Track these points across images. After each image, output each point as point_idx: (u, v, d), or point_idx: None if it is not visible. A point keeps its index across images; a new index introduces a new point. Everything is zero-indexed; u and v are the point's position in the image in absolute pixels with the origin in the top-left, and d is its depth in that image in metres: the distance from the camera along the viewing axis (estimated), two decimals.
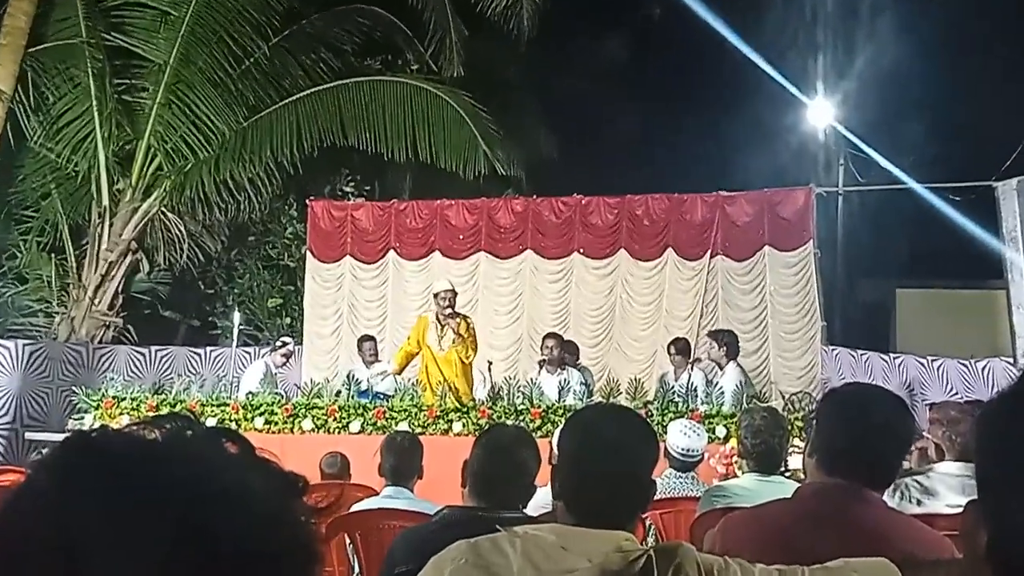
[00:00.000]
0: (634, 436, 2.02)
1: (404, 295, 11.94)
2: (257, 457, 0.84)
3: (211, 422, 7.94)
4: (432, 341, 8.80)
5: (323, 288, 12.21)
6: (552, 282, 11.64)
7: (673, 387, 8.33)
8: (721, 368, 8.61)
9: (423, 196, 13.14)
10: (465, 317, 9.01)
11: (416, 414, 8.12)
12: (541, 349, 9.28)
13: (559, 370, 9.07)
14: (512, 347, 11.56)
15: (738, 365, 8.57)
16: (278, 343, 10.09)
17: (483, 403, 8.29)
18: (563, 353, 9.27)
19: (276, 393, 8.87)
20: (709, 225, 11.17)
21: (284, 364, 10.06)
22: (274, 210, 14.86)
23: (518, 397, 8.24)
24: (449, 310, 8.74)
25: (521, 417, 7.89)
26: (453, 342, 8.68)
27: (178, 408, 8.40)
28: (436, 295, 8.90)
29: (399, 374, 8.86)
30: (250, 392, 8.90)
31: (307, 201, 12.50)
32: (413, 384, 8.50)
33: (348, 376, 9.04)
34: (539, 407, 7.94)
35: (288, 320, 14.93)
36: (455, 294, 8.99)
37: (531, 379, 8.61)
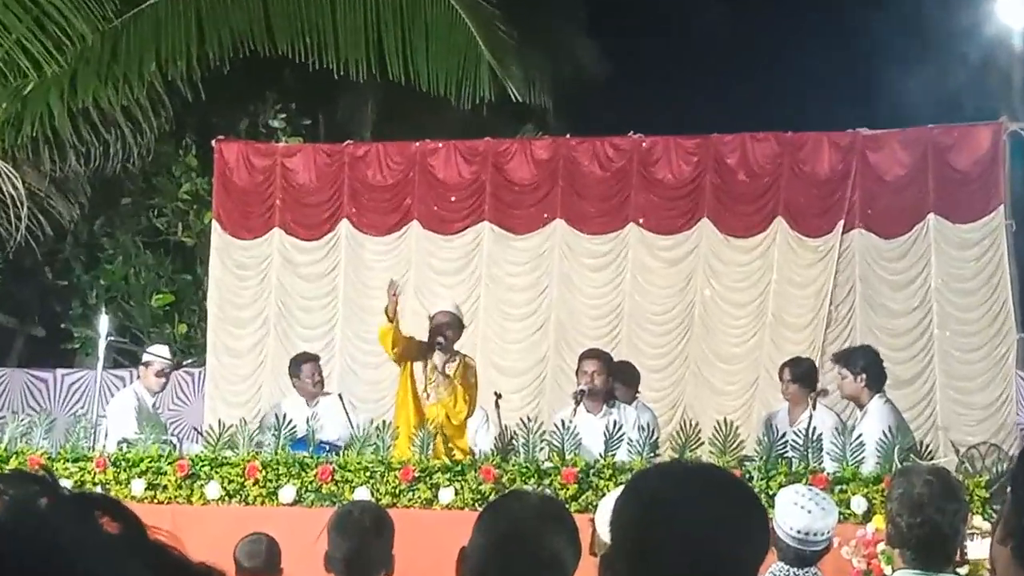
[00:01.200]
0: (728, 513, 2.02)
1: (364, 289, 11.96)
2: (150, 541, 0.84)
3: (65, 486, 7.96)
4: (419, 377, 9.02)
5: (237, 279, 12.24)
6: (595, 270, 11.64)
7: (785, 435, 8.31)
8: (860, 406, 8.58)
9: (393, 135, 13.13)
10: (465, 359, 9.19)
11: (384, 475, 8.14)
12: (577, 375, 9.28)
13: (606, 408, 9.05)
14: (532, 372, 11.57)
15: (887, 401, 8.54)
16: (145, 357, 10.10)
17: (487, 459, 8.29)
18: (612, 382, 9.26)
19: (164, 441, 8.90)
20: (842, 181, 11.15)
21: (161, 389, 10.06)
22: (162, 157, 14.90)
23: (541, 449, 8.23)
24: (443, 341, 8.95)
25: (547, 481, 7.88)
26: (446, 392, 8.92)
27: (12, 464, 8.44)
28: (432, 319, 9.14)
29: (399, 361, 9.08)
30: (124, 440, 8.93)
31: (213, 143, 12.53)
32: (379, 428, 8.53)
33: (276, 415, 9.05)
34: (575, 466, 7.94)
35: (184, 328, 14.98)
36: (461, 326, 9.24)
37: (562, 421, 8.61)
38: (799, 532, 4.77)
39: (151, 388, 9.88)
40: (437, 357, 9.02)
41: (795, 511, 4.81)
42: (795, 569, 4.79)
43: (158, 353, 10.09)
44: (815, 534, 4.78)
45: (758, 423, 9.88)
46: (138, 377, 10.19)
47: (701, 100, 16.29)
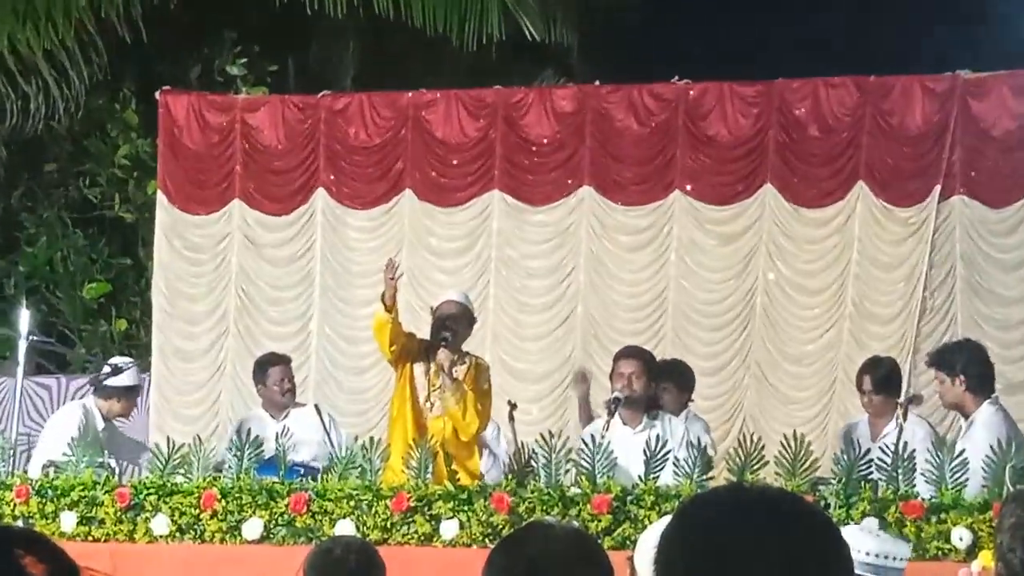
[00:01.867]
0: (802, 550, 2.02)
1: (346, 275, 11.98)
2: None
3: None
4: (420, 383, 9.08)
5: (189, 263, 12.26)
6: (633, 249, 11.63)
7: (868, 451, 8.30)
8: (965, 416, 8.56)
9: (381, 85, 13.10)
10: (477, 361, 9.27)
11: (372, 504, 8.15)
12: (612, 379, 9.27)
13: (646, 420, 9.04)
14: (554, 376, 11.58)
15: (999, 409, 8.50)
16: (107, 368, 10.13)
17: (499, 484, 8.30)
18: (655, 386, 9.25)
19: (101, 465, 8.91)
20: (938, 137, 11.12)
21: (126, 413, 10.08)
22: (94, 113, 14.90)
23: (567, 472, 8.23)
24: (448, 336, 8.99)
25: (574, 512, 7.88)
26: (454, 400, 8.95)
27: None
28: (435, 311, 9.21)
29: (396, 363, 9.15)
30: (50, 463, 8.95)
31: (157, 95, 12.52)
32: (366, 447, 8.53)
33: (239, 432, 9.06)
34: (608, 492, 7.95)
35: (123, 324, 14.99)
36: (471, 320, 9.34)
37: (592, 437, 8.61)
38: (870, 555, 4.91)
39: (110, 410, 9.85)
40: (442, 356, 9.01)
41: (862, 535, 5.03)
42: None
43: (122, 365, 10.04)
44: (890, 558, 4.96)
45: (835, 437, 9.87)
46: (88, 389, 10.19)
47: (762, 36, 16.21)
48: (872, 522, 5.18)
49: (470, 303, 9.52)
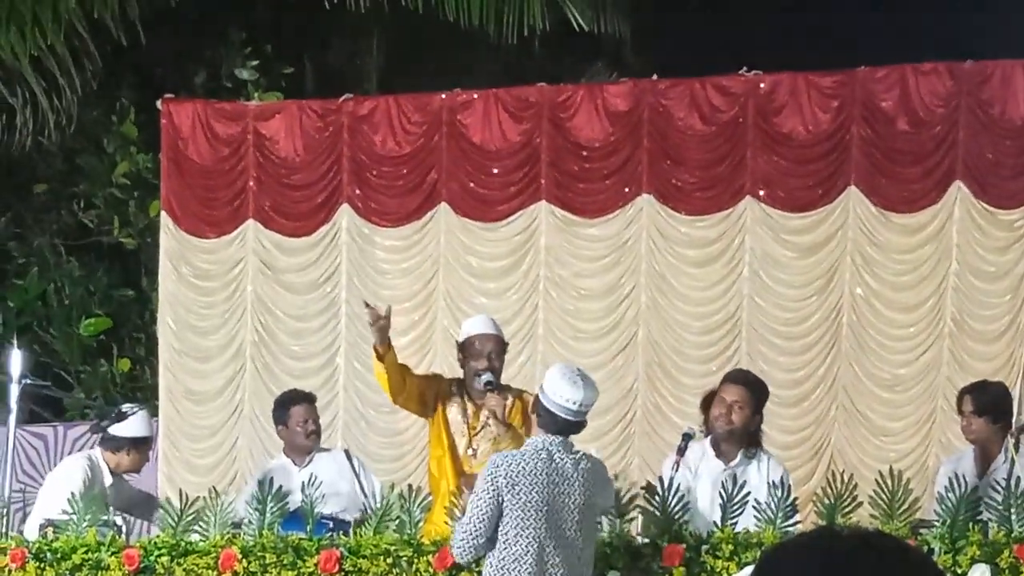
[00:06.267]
0: None
1: (376, 302, 11.86)
2: None
3: None
4: (457, 430, 9.14)
5: (199, 293, 12.30)
6: (699, 264, 11.61)
7: (976, 489, 8.26)
8: None
9: (410, 85, 13.12)
10: (521, 395, 9.28)
11: (413, 560, 8.15)
12: (713, 405, 9.17)
13: (742, 455, 8.92)
14: (615, 411, 11.52)
15: None
16: (115, 413, 10.15)
17: None
18: (744, 413, 9.13)
19: (106, 523, 8.94)
20: None
21: (137, 467, 10.09)
22: (88, 126, 14.96)
23: (631, 519, 8.21)
24: (492, 379, 9.05)
25: (642, 563, 7.87)
26: (495, 442, 8.97)
27: None
28: (463, 346, 9.26)
29: (422, 414, 9.31)
30: (48, 522, 8.99)
31: (159, 104, 12.57)
32: (403, 496, 8.53)
33: (262, 482, 9.08)
34: (679, 541, 7.93)
35: (126, 364, 15.02)
36: (502, 345, 9.33)
37: (659, 479, 8.59)
38: (575, 404, 7.52)
39: (120, 462, 9.87)
40: (493, 401, 9.04)
41: (568, 385, 7.55)
42: (559, 438, 7.55)
43: (131, 410, 10.06)
44: (587, 405, 7.59)
45: (936, 473, 9.81)
46: (95, 439, 10.21)
47: (839, 19, 16.19)
48: (568, 366, 8.06)
49: (499, 328, 9.52)
